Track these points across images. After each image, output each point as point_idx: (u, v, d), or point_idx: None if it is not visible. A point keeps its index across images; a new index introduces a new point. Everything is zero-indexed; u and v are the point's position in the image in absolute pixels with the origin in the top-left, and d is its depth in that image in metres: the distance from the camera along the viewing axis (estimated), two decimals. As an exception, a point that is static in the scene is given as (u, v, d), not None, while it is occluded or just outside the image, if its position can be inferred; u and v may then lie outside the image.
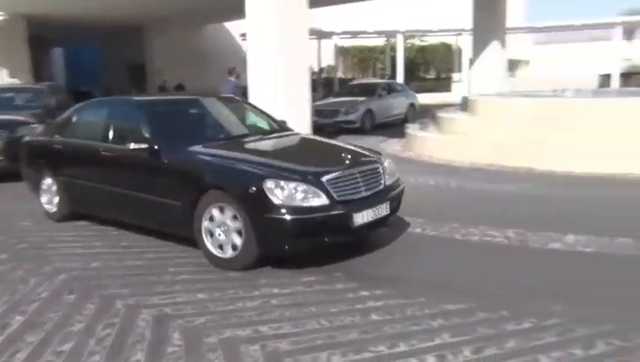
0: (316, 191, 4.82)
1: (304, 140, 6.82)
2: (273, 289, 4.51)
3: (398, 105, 19.43)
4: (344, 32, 33.78)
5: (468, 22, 20.70)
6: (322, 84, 29.42)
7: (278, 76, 10.20)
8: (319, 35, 30.84)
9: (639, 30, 44.55)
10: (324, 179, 4.93)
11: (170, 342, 3.64)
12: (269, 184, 4.76)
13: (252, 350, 3.49)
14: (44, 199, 7.03)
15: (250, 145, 6.04)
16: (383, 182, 5.45)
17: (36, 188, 7.14)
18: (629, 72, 34.18)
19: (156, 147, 5.58)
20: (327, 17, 28.59)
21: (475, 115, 11.97)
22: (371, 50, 41.69)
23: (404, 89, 21.65)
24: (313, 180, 4.89)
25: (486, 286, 4.46)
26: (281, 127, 6.95)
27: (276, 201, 4.71)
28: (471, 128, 11.25)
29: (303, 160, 5.54)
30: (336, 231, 4.92)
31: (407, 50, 36.02)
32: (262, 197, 4.75)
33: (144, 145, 5.61)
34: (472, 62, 20.46)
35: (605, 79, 31.01)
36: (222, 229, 5.00)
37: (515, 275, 4.75)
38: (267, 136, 6.64)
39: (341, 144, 6.47)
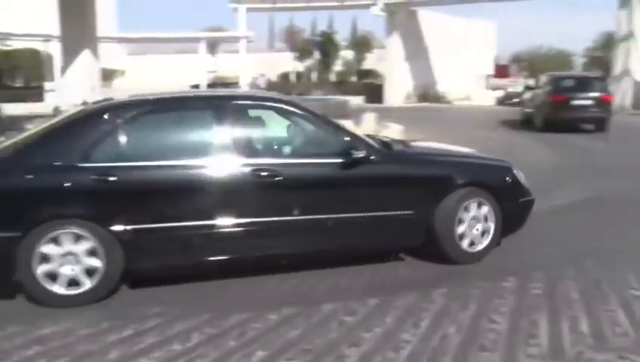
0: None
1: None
2: None
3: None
4: None
5: (57, 28, 19.76)
6: None
7: None
8: None
9: (221, 45, 49.38)
10: None
11: None
12: (516, 171, 5.36)
13: None
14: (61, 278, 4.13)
15: (426, 147, 6.25)
16: None
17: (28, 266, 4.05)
18: (215, 82, 37.72)
19: (373, 157, 4.75)
20: None
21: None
22: None
23: (-14, 98, 19.47)
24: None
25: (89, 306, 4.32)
26: None
27: (525, 186, 5.36)
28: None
29: (481, 153, 6.05)
30: None
31: (-12, 54, 32.46)
32: (516, 184, 5.31)
33: (362, 154, 4.67)
34: (63, 70, 19.64)
35: (196, 89, 33.48)
36: (473, 225, 5.00)
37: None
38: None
39: None
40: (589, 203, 7.68)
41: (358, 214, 4.77)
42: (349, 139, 4.81)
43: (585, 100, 16.99)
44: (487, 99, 36.67)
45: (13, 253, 4.00)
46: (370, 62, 47.80)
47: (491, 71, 44.35)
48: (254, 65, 38.45)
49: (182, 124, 4.75)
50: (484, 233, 5.05)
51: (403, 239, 5.06)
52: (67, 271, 4.12)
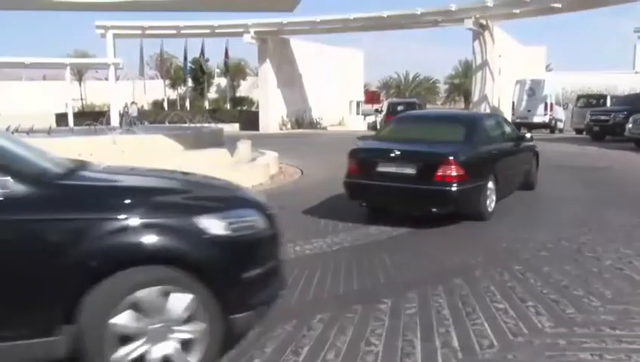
0: None
1: None
2: None
3: None
4: None
5: None
6: None
7: None
8: None
9: (89, 71, 47.33)
10: None
11: None
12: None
13: None
14: (488, 201, 8.17)
15: None
16: None
17: (478, 196, 7.96)
18: (84, 110, 35.92)
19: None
20: None
21: None
22: None
23: None
24: None
25: None
26: None
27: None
28: None
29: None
30: None
31: None
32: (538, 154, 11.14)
33: (528, 138, 10.56)
34: None
35: (63, 118, 31.70)
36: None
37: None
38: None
39: None
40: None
41: (520, 167, 9.95)
42: (521, 133, 10.87)
43: None
44: (360, 124, 38.01)
45: (485, 193, 8.08)
46: (244, 89, 47.91)
47: (362, 97, 46.14)
48: (125, 93, 37.19)
49: (496, 126, 9.64)
50: None
51: (526, 180, 10.26)
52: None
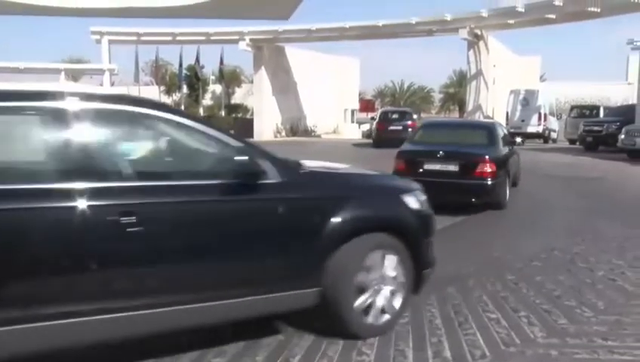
0: None
1: None
2: None
3: None
4: None
5: None
6: None
7: None
8: None
9: (83, 77, 47.22)
10: None
11: None
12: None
13: None
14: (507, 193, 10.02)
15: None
16: None
17: (501, 189, 9.63)
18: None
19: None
20: None
21: None
22: None
23: None
24: None
25: None
26: None
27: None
28: None
29: None
30: None
31: None
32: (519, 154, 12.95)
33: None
34: None
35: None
36: None
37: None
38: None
39: None
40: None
41: (514, 166, 11.27)
42: (513, 138, 13.34)
43: (397, 126, 25.06)
44: (355, 132, 38.11)
45: (505, 186, 9.72)
46: (239, 96, 47.91)
47: (357, 105, 46.23)
48: (119, 99, 36.99)
49: (503, 132, 11.34)
50: None
51: (513, 179, 11.32)
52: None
